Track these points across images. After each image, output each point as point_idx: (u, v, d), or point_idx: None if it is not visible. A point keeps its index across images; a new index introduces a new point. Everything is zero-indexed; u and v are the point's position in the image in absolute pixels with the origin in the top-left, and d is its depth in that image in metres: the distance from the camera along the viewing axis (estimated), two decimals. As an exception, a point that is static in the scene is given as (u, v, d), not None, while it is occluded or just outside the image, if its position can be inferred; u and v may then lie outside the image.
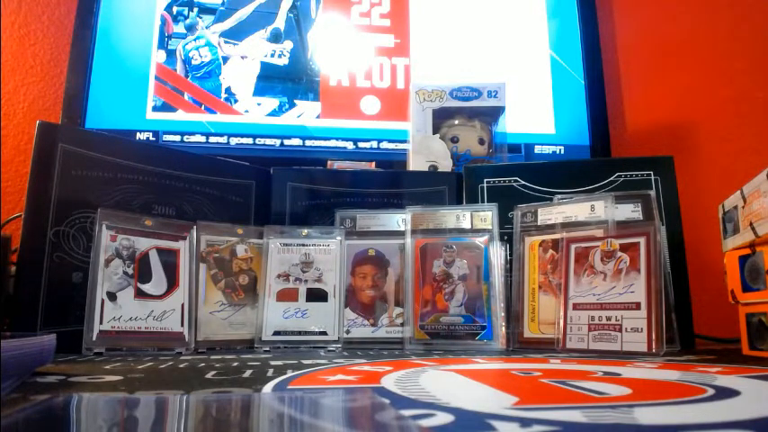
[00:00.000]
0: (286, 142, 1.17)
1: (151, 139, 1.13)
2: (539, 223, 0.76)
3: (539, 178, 0.83)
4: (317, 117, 1.20)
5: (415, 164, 1.00)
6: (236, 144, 1.16)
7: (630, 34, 1.38)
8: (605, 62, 1.31)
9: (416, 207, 0.79)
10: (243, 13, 1.23)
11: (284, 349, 0.71)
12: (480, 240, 0.75)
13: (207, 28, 1.22)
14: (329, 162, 1.07)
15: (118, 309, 0.65)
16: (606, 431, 0.24)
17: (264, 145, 1.17)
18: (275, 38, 1.23)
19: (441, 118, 1.03)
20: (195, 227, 0.74)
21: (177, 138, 1.14)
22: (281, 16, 1.24)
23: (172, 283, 0.70)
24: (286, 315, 0.74)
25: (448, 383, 0.39)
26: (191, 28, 1.21)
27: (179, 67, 1.19)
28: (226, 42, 1.21)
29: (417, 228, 0.77)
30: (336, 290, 0.75)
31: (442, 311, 0.72)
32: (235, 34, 1.22)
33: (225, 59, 1.21)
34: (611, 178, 0.81)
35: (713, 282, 0.86)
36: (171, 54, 1.19)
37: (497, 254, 0.74)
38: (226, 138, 1.16)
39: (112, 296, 0.65)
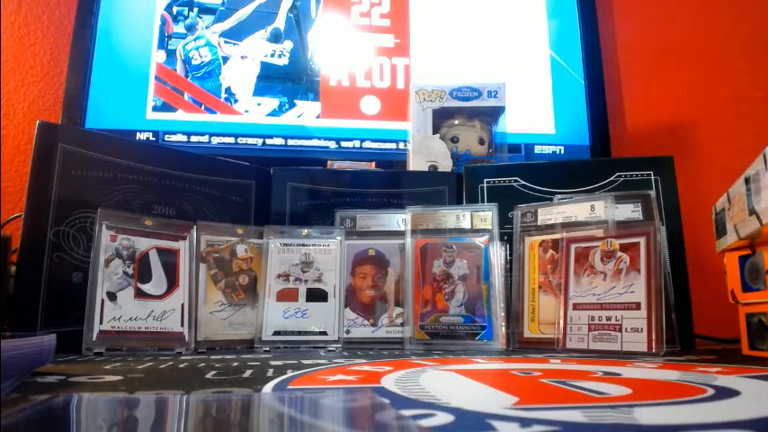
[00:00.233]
0: (286, 142, 1.17)
1: (151, 139, 1.13)
2: (539, 223, 0.76)
3: (539, 178, 0.83)
4: (317, 117, 1.20)
5: (415, 164, 1.00)
6: (236, 144, 1.16)
7: (630, 34, 1.38)
8: (605, 62, 1.31)
9: (416, 207, 0.79)
10: (243, 13, 1.23)
11: (284, 349, 0.71)
12: (480, 240, 0.75)
13: (207, 28, 1.22)
14: (329, 162, 1.07)
15: (118, 309, 0.65)
16: (606, 431, 0.24)
17: (264, 145, 1.17)
18: (275, 38, 1.23)
19: (441, 118, 1.03)
20: (195, 227, 0.74)
21: (177, 138, 1.14)
22: (281, 16, 1.24)
23: (172, 283, 0.70)
24: (286, 315, 0.74)
25: (448, 383, 0.39)
26: (191, 28, 1.21)
27: (179, 67, 1.19)
28: (226, 42, 1.21)
29: (417, 228, 0.77)
30: (336, 290, 0.75)
31: (442, 311, 0.72)
32: (235, 34, 1.22)
33: (225, 59, 1.21)
34: (611, 178, 0.81)
35: (713, 282, 0.86)
36: (171, 54, 1.19)
37: (497, 254, 0.74)
38: (226, 138, 1.16)
39: (112, 296, 0.65)
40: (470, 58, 1.27)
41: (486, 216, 0.77)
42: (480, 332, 0.71)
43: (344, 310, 0.75)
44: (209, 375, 0.43)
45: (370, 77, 1.24)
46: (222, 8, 1.23)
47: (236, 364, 0.52)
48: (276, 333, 0.72)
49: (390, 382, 0.39)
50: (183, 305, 0.69)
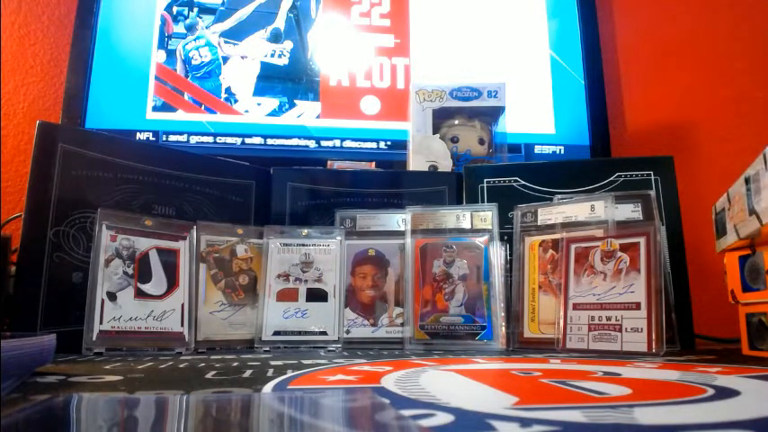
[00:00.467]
0: (286, 142, 1.18)
1: (151, 139, 1.13)
2: (539, 223, 0.76)
3: (539, 178, 0.83)
4: (317, 117, 1.20)
5: (415, 164, 1.00)
6: (237, 144, 1.16)
7: (630, 34, 1.38)
8: (605, 62, 1.31)
9: (416, 207, 0.79)
10: (243, 13, 1.23)
11: (284, 349, 0.71)
12: (480, 240, 0.75)
13: (207, 28, 1.22)
14: (329, 162, 1.07)
15: (118, 309, 0.65)
16: (606, 431, 0.24)
17: (264, 145, 1.17)
18: (275, 38, 1.23)
19: (441, 118, 1.03)
20: (195, 227, 0.74)
21: (177, 138, 1.14)
22: (281, 16, 1.24)
23: (172, 283, 0.70)
24: (286, 315, 0.74)
25: (448, 383, 0.39)
26: (191, 28, 1.21)
27: (179, 67, 1.19)
28: (226, 42, 1.21)
29: (417, 228, 0.77)
30: (336, 290, 0.75)
31: (442, 311, 0.72)
32: (235, 34, 1.22)
33: (225, 59, 1.21)
34: (611, 178, 0.81)
35: (713, 282, 0.86)
36: (171, 54, 1.19)
37: (497, 254, 0.74)
38: (226, 138, 1.16)
39: (112, 296, 0.65)
40: (470, 58, 1.27)
41: (486, 216, 0.77)
42: (480, 332, 0.71)
43: (344, 310, 0.75)
44: (209, 375, 0.43)
45: (370, 77, 1.24)
46: (222, 8, 1.23)
47: (236, 364, 0.52)
48: (276, 333, 0.72)
49: (390, 382, 0.39)
50: (183, 305, 0.69)
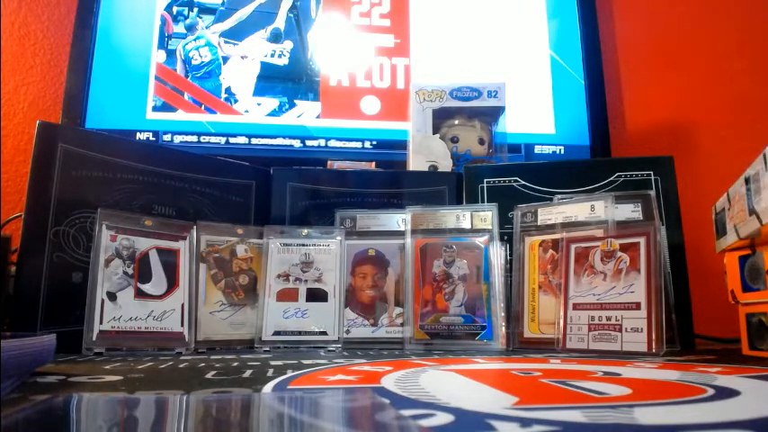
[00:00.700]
0: (286, 142, 1.18)
1: (151, 139, 1.13)
2: (539, 223, 0.76)
3: (539, 178, 0.83)
4: (317, 117, 1.20)
5: (415, 164, 1.00)
6: (237, 144, 1.16)
7: (630, 34, 1.38)
8: (605, 62, 1.31)
9: (416, 207, 0.79)
10: (243, 13, 1.23)
11: (284, 349, 0.71)
12: (480, 240, 0.75)
13: (207, 28, 1.22)
14: (329, 162, 1.07)
15: (118, 309, 0.65)
16: (606, 431, 0.24)
17: (264, 145, 1.17)
18: (275, 38, 1.23)
19: (441, 118, 1.03)
20: (195, 227, 0.74)
21: (177, 138, 1.14)
22: (281, 16, 1.24)
23: (172, 283, 0.70)
24: (286, 315, 0.74)
25: (448, 383, 0.39)
26: (191, 28, 1.21)
27: (179, 67, 1.19)
28: (226, 42, 1.21)
29: (417, 228, 0.77)
30: (336, 290, 0.75)
31: (441, 311, 0.72)
32: (235, 34, 1.22)
33: (225, 59, 1.21)
34: (611, 178, 0.81)
35: (713, 282, 0.86)
36: (171, 54, 1.19)
37: (497, 254, 0.74)
38: (226, 138, 1.16)
39: (112, 296, 0.65)
40: (470, 58, 1.27)
41: (486, 216, 0.77)
42: (480, 332, 0.71)
43: (344, 310, 0.75)
44: (209, 375, 0.43)
45: (370, 77, 1.24)
46: (222, 8, 1.23)
47: (236, 364, 0.52)
48: (276, 333, 0.72)
49: (390, 382, 0.39)
50: (183, 305, 0.69)
